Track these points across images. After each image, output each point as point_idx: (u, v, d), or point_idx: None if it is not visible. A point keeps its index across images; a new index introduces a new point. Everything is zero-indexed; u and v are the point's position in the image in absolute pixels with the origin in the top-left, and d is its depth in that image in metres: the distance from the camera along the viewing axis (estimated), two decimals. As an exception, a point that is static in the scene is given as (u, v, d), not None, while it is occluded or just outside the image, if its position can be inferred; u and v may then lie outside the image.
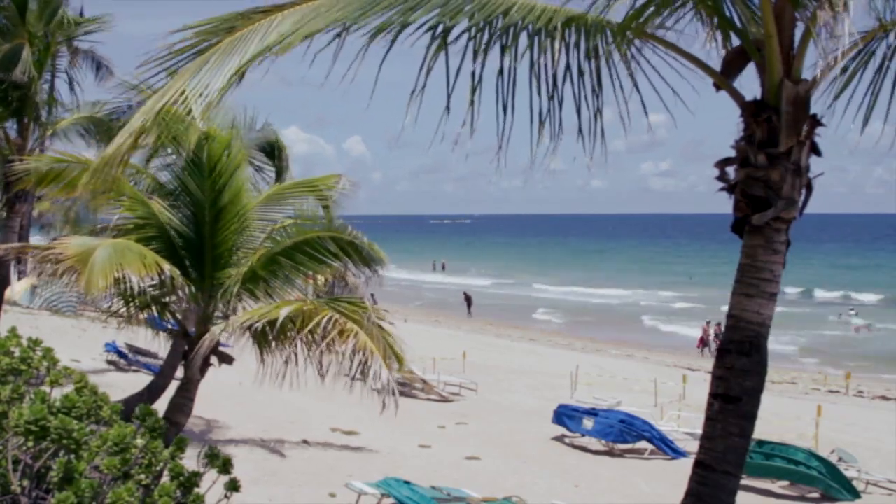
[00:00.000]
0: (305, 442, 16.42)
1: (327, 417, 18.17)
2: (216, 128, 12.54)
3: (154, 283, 12.01)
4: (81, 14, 19.79)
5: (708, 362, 30.75)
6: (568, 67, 6.25)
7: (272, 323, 10.91)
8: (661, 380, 25.70)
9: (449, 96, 5.80)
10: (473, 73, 5.86)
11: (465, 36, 5.84)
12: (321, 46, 5.35)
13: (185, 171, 12.55)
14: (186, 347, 12.44)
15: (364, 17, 5.41)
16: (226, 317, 12.30)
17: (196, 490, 4.56)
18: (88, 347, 22.83)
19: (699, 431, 7.54)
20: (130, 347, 22.10)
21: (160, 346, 15.31)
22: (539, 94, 6.19)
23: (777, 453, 16.29)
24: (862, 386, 31.57)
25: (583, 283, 73.48)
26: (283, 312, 10.80)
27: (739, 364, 6.16)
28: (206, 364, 12.36)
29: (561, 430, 19.09)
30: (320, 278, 15.07)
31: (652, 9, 6.12)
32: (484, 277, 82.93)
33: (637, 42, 6.43)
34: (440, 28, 5.71)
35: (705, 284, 64.82)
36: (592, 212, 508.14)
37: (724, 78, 6.39)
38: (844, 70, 6.87)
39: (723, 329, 6.64)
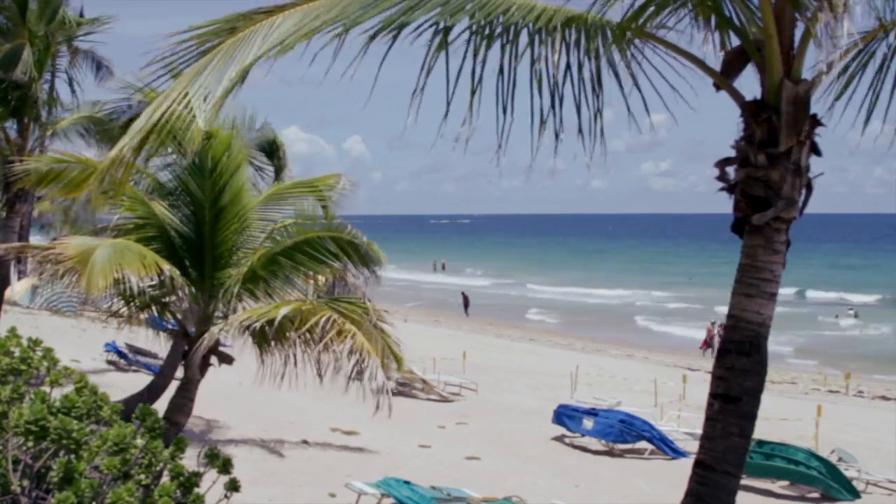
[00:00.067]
0: (305, 442, 16.42)
1: (327, 417, 18.17)
2: (217, 128, 12.54)
3: (154, 283, 12.01)
4: (81, 14, 19.79)
5: (708, 362, 30.75)
6: (568, 67, 6.26)
7: (271, 322, 10.92)
8: (661, 380, 25.70)
9: (450, 96, 5.80)
10: (473, 72, 5.87)
11: (466, 35, 5.84)
12: (321, 46, 5.35)
13: (186, 171, 12.56)
14: (186, 347, 12.44)
15: (364, 16, 5.41)
16: (226, 317, 12.30)
17: (196, 490, 4.57)
18: (88, 347, 22.83)
19: (699, 431, 7.54)
20: (130, 347, 22.10)
21: (160, 346, 15.31)
22: (539, 93, 6.20)
23: (777, 453, 16.29)
24: (862, 386, 31.57)
25: (581, 283, 73.44)
26: (282, 312, 10.82)
27: (739, 364, 6.16)
28: (205, 364, 12.36)
29: (561, 430, 19.09)
30: (320, 278, 15.08)
31: (652, 9, 6.12)
32: (483, 277, 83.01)
33: (637, 42, 6.43)
34: (440, 27, 5.71)
35: (705, 284, 64.80)
36: (592, 212, 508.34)
37: (724, 78, 6.39)
38: (845, 70, 6.88)
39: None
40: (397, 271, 64.73)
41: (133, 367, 22.34)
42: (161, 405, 11.76)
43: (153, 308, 12.72)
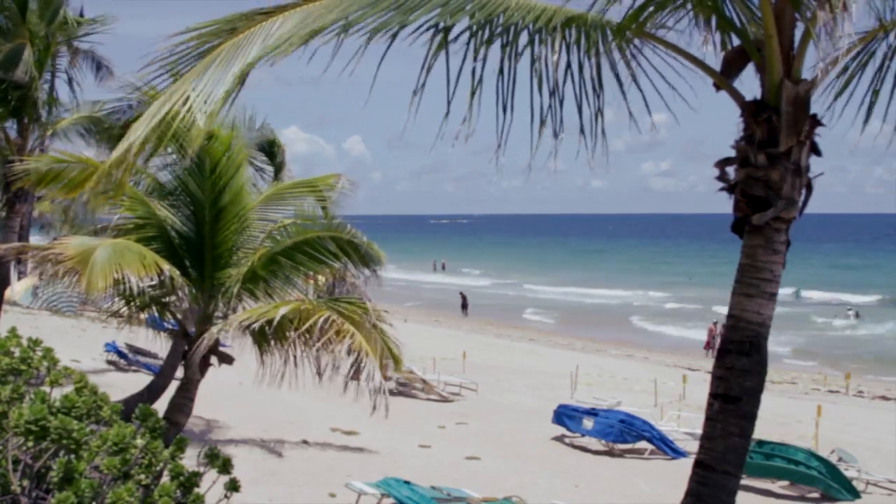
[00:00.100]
0: (305, 442, 16.42)
1: (327, 417, 18.17)
2: (217, 128, 12.54)
3: (154, 283, 12.01)
4: (81, 14, 19.80)
5: (708, 362, 30.76)
6: (568, 66, 6.26)
7: (270, 322, 10.93)
8: (661, 380, 25.70)
9: (450, 96, 5.79)
10: (474, 72, 5.87)
11: (466, 35, 5.84)
12: (320, 44, 5.34)
13: (186, 171, 12.56)
14: (186, 347, 12.44)
15: (365, 16, 5.40)
16: (226, 317, 12.31)
17: (196, 490, 4.57)
18: (88, 347, 22.83)
19: (699, 431, 7.54)
20: (130, 347, 22.10)
21: (160, 346, 15.31)
22: (539, 93, 6.20)
23: (777, 453, 16.28)
24: (862, 386, 31.56)
25: (581, 283, 73.42)
26: (281, 312, 10.83)
27: (739, 364, 6.16)
28: (206, 364, 12.36)
29: (561, 430, 19.08)
30: (321, 278, 15.08)
31: (651, 8, 6.13)
32: (483, 277, 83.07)
33: (637, 42, 6.43)
34: (440, 27, 5.71)
35: (705, 284, 64.80)
36: (592, 212, 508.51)
37: (724, 78, 6.39)
38: (844, 70, 6.88)
39: None
40: (397, 271, 64.68)
41: (133, 367, 22.34)
42: (161, 405, 11.77)
43: (153, 308, 12.72)
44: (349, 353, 10.68)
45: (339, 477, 13.59)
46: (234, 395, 19.04)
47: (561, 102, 6.27)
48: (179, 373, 12.84)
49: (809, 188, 6.30)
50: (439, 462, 16.00)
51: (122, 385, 17.11)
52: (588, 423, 18.39)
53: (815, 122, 6.24)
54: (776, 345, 31.58)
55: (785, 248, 6.23)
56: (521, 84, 6.10)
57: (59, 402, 4.57)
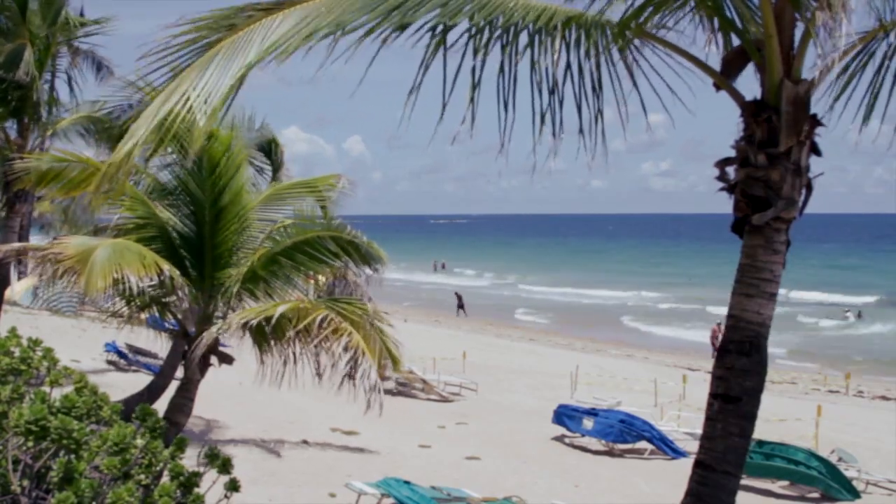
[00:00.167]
0: (305, 442, 16.42)
1: (327, 417, 18.17)
2: (217, 128, 12.54)
3: (154, 283, 12.01)
4: (82, 14, 19.79)
5: (708, 362, 30.74)
6: (568, 66, 6.26)
7: (269, 320, 10.94)
8: (661, 380, 25.70)
9: (446, 97, 5.78)
10: (473, 72, 5.86)
11: (465, 35, 5.83)
12: (321, 45, 5.32)
13: (186, 171, 12.55)
14: (186, 347, 12.44)
15: (365, 17, 5.38)
16: (226, 317, 12.31)
17: (196, 490, 4.57)
18: (88, 347, 22.83)
19: (699, 431, 7.54)
20: (130, 347, 22.10)
21: (160, 346, 15.31)
22: (539, 93, 6.20)
23: (777, 453, 16.28)
24: (862, 386, 31.55)
25: (581, 283, 73.40)
26: (279, 310, 10.86)
27: (739, 364, 6.16)
28: (205, 364, 12.36)
29: (561, 430, 19.08)
30: (321, 278, 15.08)
31: (651, 8, 6.12)
32: (483, 278, 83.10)
33: (637, 42, 6.43)
34: (440, 28, 5.70)
35: (705, 285, 64.79)
36: (592, 212, 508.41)
37: (724, 78, 6.39)
38: (844, 70, 6.87)
39: None
40: (397, 271, 64.62)
41: (133, 367, 22.34)
42: (161, 405, 11.77)
43: (153, 308, 12.72)
44: (346, 350, 10.69)
45: (339, 477, 13.59)
46: (234, 395, 19.04)
47: (560, 102, 6.27)
48: (179, 373, 12.85)
49: (809, 188, 6.30)
50: (439, 462, 16.00)
51: (122, 385, 17.11)
52: (588, 423, 18.39)
53: (815, 122, 6.24)
54: (775, 345, 31.58)
55: (785, 248, 6.23)
56: (520, 84, 6.10)
57: (59, 402, 4.57)
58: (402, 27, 5.50)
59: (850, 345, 43.50)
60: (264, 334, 11.66)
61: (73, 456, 4.27)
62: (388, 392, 12.10)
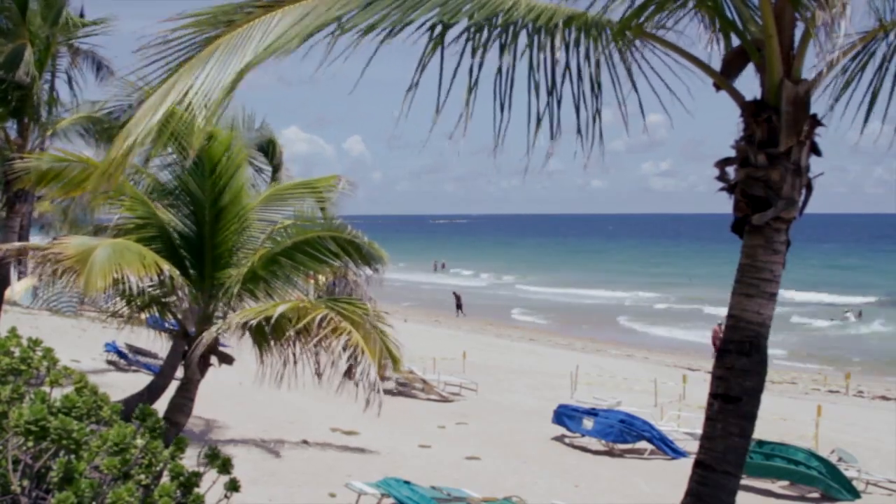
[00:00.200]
0: (305, 442, 16.42)
1: (327, 417, 18.17)
2: (217, 128, 12.54)
3: (154, 283, 12.01)
4: (82, 14, 19.79)
5: (708, 362, 30.75)
6: (567, 66, 6.25)
7: (269, 319, 10.94)
8: (661, 380, 25.71)
9: (442, 98, 5.77)
10: (471, 71, 5.84)
11: (464, 35, 5.82)
12: (320, 45, 5.31)
13: (186, 171, 12.55)
14: (186, 347, 12.44)
15: (364, 16, 5.38)
16: (226, 317, 12.31)
17: (196, 490, 4.57)
18: (88, 347, 22.83)
19: (699, 431, 7.54)
20: (130, 347, 22.10)
21: (160, 346, 15.30)
22: (537, 93, 6.19)
23: (777, 453, 16.28)
24: (862, 386, 31.55)
25: (581, 283, 73.40)
26: (279, 310, 10.86)
27: (739, 364, 6.16)
28: (205, 364, 12.36)
29: (561, 430, 19.08)
30: (321, 278, 15.08)
31: (652, 8, 6.12)
32: (483, 278, 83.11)
33: (637, 42, 6.43)
34: (439, 28, 5.69)
35: (705, 285, 64.79)
36: (592, 212, 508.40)
37: (724, 78, 6.39)
38: (844, 70, 6.87)
39: None
40: (397, 271, 64.55)
41: (133, 367, 22.33)
42: (161, 405, 11.77)
43: (153, 308, 12.71)
44: (345, 349, 10.69)
45: (339, 477, 13.59)
46: (234, 395, 19.04)
47: (558, 103, 6.26)
48: (179, 373, 12.85)
49: (809, 188, 6.30)
50: (439, 462, 16.00)
51: (122, 385, 17.11)
52: (588, 423, 18.39)
53: (815, 122, 6.24)
54: (776, 345, 31.57)
55: (785, 248, 6.23)
56: (519, 83, 6.10)
57: (59, 402, 4.57)
58: (403, 25, 5.49)
59: (850, 345, 43.51)
60: (264, 334, 11.66)
61: (73, 456, 4.27)
62: (388, 392, 12.10)
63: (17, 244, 14.27)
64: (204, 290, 12.50)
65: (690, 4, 6.40)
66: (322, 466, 14.79)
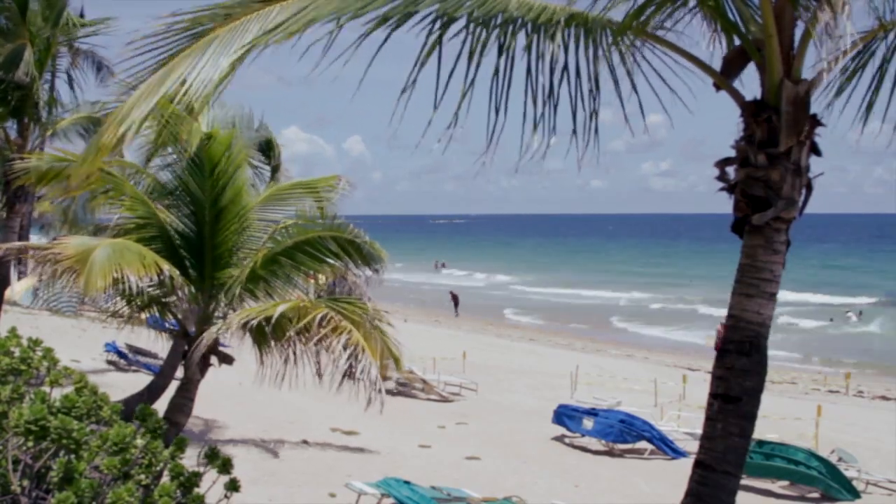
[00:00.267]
0: (305, 442, 16.42)
1: (327, 417, 18.17)
2: (217, 128, 12.55)
3: (154, 283, 12.01)
4: (82, 14, 19.80)
5: (708, 362, 30.74)
6: (566, 67, 6.24)
7: (269, 319, 10.94)
8: (661, 380, 25.70)
9: (438, 99, 5.75)
10: (468, 71, 5.83)
11: (463, 33, 5.81)
12: (319, 44, 5.31)
13: (186, 171, 12.55)
14: (186, 347, 12.44)
15: (363, 10, 5.37)
16: (226, 317, 12.30)
17: (196, 490, 4.57)
18: (88, 347, 22.83)
19: (699, 431, 7.54)
20: (130, 347, 22.10)
21: (160, 346, 15.30)
22: (535, 93, 6.17)
23: (777, 453, 16.28)
24: (862, 386, 31.57)
25: (581, 284, 73.36)
26: (279, 309, 10.86)
27: (739, 364, 6.16)
28: (205, 364, 12.36)
29: (561, 430, 19.08)
30: (322, 278, 15.07)
31: (652, 8, 6.11)
32: (483, 278, 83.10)
33: (637, 42, 6.42)
34: (438, 24, 5.68)
35: (704, 285, 64.80)
36: (592, 212, 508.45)
37: (724, 78, 6.39)
38: (844, 70, 6.87)
39: None
40: (397, 271, 64.59)
41: (133, 367, 22.33)
42: (161, 405, 11.77)
43: (153, 308, 12.71)
44: (345, 347, 10.69)
45: (339, 477, 13.59)
46: (234, 395, 19.04)
47: (556, 103, 6.24)
48: (179, 373, 12.85)
49: (809, 188, 6.30)
50: (439, 462, 16.00)
51: (122, 385, 17.11)
52: (588, 423, 18.39)
53: (815, 122, 6.24)
54: (776, 345, 31.55)
55: (785, 248, 6.23)
56: (517, 82, 6.08)
57: (59, 402, 4.57)
58: (402, 21, 5.47)
59: (850, 345, 43.50)
60: (264, 334, 11.66)
61: (73, 456, 4.27)
62: (388, 392, 12.08)
63: (17, 244, 14.27)
64: (204, 290, 12.50)
65: (691, 4, 6.41)
66: (322, 466, 14.79)
